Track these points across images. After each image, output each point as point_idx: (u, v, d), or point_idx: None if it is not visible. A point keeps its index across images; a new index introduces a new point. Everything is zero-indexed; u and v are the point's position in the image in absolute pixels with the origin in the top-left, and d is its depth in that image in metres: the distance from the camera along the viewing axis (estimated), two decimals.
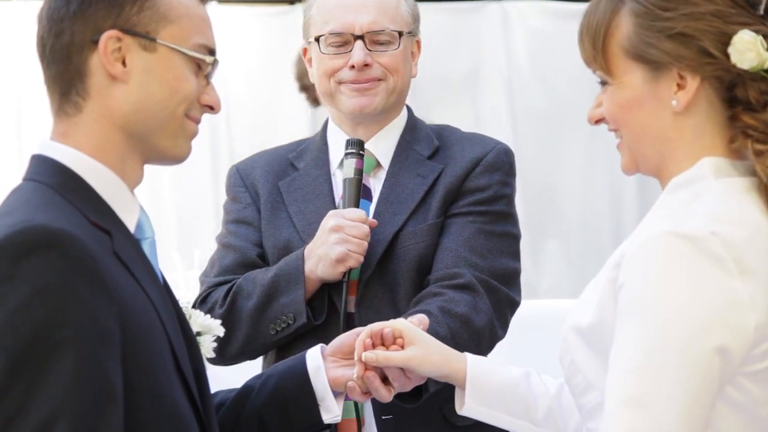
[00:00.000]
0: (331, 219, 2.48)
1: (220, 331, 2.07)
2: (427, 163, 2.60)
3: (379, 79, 2.57)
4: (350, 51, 2.55)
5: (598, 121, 1.81)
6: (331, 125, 2.68)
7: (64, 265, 1.53)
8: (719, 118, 1.72)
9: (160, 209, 5.48)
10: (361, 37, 2.55)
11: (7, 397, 1.50)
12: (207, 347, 2.03)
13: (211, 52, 1.76)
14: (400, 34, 2.57)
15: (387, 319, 2.34)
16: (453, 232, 2.53)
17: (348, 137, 2.57)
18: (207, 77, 1.76)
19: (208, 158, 5.60)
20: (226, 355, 2.53)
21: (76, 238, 1.56)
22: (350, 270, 2.47)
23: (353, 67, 2.55)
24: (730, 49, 1.68)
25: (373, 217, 2.55)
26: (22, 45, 5.11)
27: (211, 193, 5.58)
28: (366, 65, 2.55)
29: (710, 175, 1.70)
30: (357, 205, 2.51)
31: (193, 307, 2.53)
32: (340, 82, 2.57)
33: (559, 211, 5.87)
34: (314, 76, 2.64)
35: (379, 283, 2.53)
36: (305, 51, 2.67)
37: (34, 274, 1.52)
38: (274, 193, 2.61)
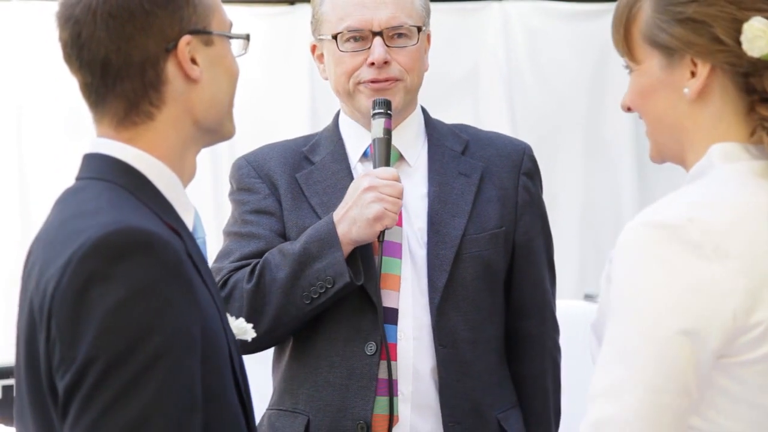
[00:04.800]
0: (364, 179, 2.46)
1: (251, 335, 2.04)
2: (464, 160, 2.61)
3: (397, 79, 2.56)
4: (368, 48, 2.54)
5: (629, 109, 1.78)
6: (344, 118, 2.66)
7: (158, 268, 1.54)
8: (737, 109, 1.67)
9: None
10: (379, 34, 2.54)
11: (98, 397, 1.51)
12: None
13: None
14: (419, 29, 2.57)
15: (455, 324, 2.47)
16: (535, 267, 2.67)
17: (374, 102, 2.54)
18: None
19: (208, 159, 5.59)
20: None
21: (168, 242, 1.57)
22: (384, 231, 2.46)
23: (372, 64, 2.53)
24: (742, 37, 1.63)
25: (431, 217, 2.55)
26: (22, 45, 5.10)
27: (211, 193, 5.58)
28: (385, 62, 2.53)
29: (718, 160, 1.66)
30: (388, 164, 2.50)
31: None
32: (359, 83, 2.56)
33: (558, 211, 5.86)
34: (328, 74, 2.62)
35: (448, 288, 2.53)
36: (314, 48, 2.65)
37: (130, 276, 1.52)
38: (293, 185, 2.58)
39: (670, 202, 1.64)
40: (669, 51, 1.68)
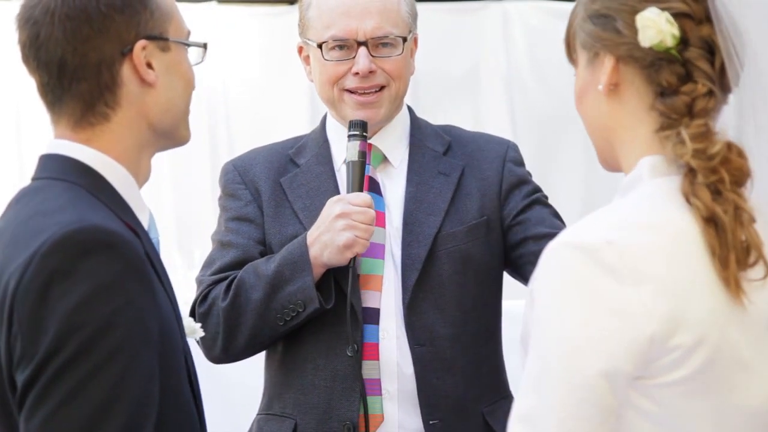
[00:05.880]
0: (336, 205, 2.46)
1: (199, 335, 2.07)
2: (444, 160, 2.61)
3: (383, 87, 2.55)
4: (353, 57, 2.53)
5: None
6: (330, 121, 2.66)
7: (121, 266, 1.57)
8: (646, 104, 1.65)
9: (160, 209, 5.49)
10: (364, 44, 2.53)
11: (54, 391, 1.52)
12: None
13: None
14: (404, 39, 2.56)
15: (432, 322, 2.41)
16: (535, 214, 2.61)
17: (350, 123, 2.53)
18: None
19: (208, 158, 5.60)
20: (231, 351, 2.51)
21: (128, 240, 1.60)
22: (356, 256, 2.46)
23: (357, 73, 2.53)
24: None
25: (405, 217, 2.55)
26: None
27: (210, 194, 5.58)
28: (370, 72, 2.53)
29: (646, 175, 1.63)
30: (361, 189, 2.50)
31: (192, 307, 2.54)
32: (343, 90, 2.55)
33: (558, 210, 5.87)
34: (314, 78, 2.63)
35: (423, 287, 2.52)
36: (300, 49, 2.65)
37: (93, 273, 1.55)
38: (277, 190, 2.59)
39: (594, 220, 1.61)
40: (587, 48, 1.69)
